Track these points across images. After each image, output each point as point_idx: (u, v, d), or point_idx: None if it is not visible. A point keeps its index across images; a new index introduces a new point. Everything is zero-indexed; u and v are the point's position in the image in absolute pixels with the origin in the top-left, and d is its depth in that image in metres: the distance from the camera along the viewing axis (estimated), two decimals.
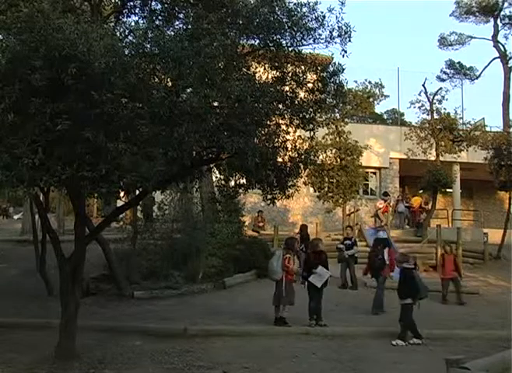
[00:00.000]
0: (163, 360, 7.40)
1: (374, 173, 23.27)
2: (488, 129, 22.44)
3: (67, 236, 12.16)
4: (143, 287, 11.71)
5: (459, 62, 32.61)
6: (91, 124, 5.44)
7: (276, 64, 7.27)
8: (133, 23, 6.89)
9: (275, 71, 7.30)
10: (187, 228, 13.79)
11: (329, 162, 16.84)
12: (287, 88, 7.19)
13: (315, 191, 17.66)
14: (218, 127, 6.17)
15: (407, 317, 8.55)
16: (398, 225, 20.49)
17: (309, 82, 7.28)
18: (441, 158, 18.84)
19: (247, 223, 17.11)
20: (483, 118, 23.73)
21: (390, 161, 22.77)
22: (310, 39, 6.86)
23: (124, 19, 7.49)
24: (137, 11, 7.48)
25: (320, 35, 6.82)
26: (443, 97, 19.78)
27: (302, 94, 7.26)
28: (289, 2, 6.76)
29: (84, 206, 8.84)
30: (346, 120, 19.61)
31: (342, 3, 6.62)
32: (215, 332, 8.66)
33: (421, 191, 20.30)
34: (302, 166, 7.67)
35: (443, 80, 31.88)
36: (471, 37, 32.46)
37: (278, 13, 6.65)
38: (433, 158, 18.67)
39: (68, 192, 7.48)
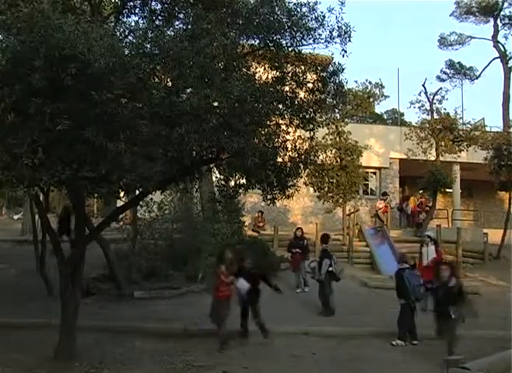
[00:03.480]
0: (163, 360, 7.41)
1: (374, 173, 23.23)
2: (488, 129, 22.41)
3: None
4: (143, 287, 11.70)
5: (459, 62, 32.65)
6: (91, 124, 5.44)
7: (276, 64, 7.27)
8: (133, 23, 6.91)
9: (275, 71, 7.29)
10: (187, 228, 13.79)
11: (329, 162, 16.82)
12: (287, 88, 7.19)
13: (315, 191, 17.64)
14: (218, 127, 6.17)
15: (401, 316, 8.70)
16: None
17: (309, 82, 7.28)
18: (441, 158, 18.83)
19: (247, 223, 17.09)
20: (483, 118, 23.71)
21: (390, 161, 22.73)
22: (310, 39, 6.87)
23: (124, 19, 7.50)
24: (137, 11, 7.48)
25: (320, 35, 6.83)
26: (443, 97, 19.83)
27: (302, 94, 7.27)
28: (289, 2, 6.77)
29: (84, 206, 8.83)
30: (346, 120, 19.60)
31: (342, 3, 6.63)
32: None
33: (421, 191, 20.30)
34: (302, 166, 7.67)
35: (443, 80, 31.91)
36: (471, 37, 32.44)
37: (278, 13, 6.66)
38: (433, 158, 18.66)
39: (68, 192, 7.48)
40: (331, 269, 10.53)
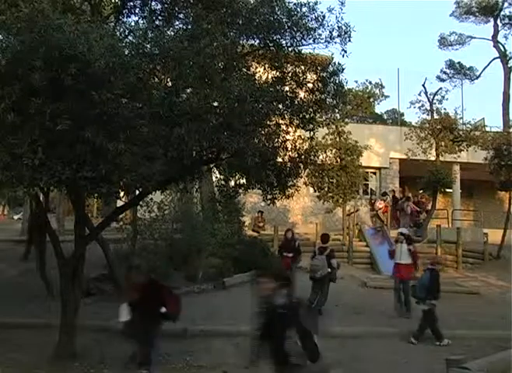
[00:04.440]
0: (163, 361, 7.40)
1: (374, 173, 23.24)
2: (488, 129, 22.44)
3: (67, 236, 12.13)
4: None
5: (459, 62, 32.67)
6: (91, 124, 5.44)
7: (276, 64, 7.28)
8: (133, 23, 6.91)
9: (275, 71, 7.30)
10: (187, 228, 13.78)
11: (329, 162, 16.82)
12: (287, 88, 7.20)
13: (315, 191, 17.65)
14: (218, 127, 6.17)
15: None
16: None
17: (309, 82, 7.29)
18: (441, 158, 18.83)
19: (247, 223, 17.08)
20: (483, 118, 23.73)
21: (390, 161, 22.74)
22: (310, 39, 6.88)
23: (124, 19, 7.50)
24: (137, 11, 7.48)
25: (320, 35, 6.85)
26: (443, 97, 19.81)
27: (302, 94, 7.27)
28: (289, 2, 6.78)
29: (84, 206, 8.83)
30: (346, 120, 19.59)
31: (342, 3, 6.65)
32: (216, 333, 8.65)
33: (421, 191, 20.30)
34: (302, 166, 7.68)
35: (443, 80, 31.92)
36: (471, 37, 32.49)
37: (278, 13, 6.66)
38: (433, 158, 18.66)
39: (68, 192, 7.48)
40: None
